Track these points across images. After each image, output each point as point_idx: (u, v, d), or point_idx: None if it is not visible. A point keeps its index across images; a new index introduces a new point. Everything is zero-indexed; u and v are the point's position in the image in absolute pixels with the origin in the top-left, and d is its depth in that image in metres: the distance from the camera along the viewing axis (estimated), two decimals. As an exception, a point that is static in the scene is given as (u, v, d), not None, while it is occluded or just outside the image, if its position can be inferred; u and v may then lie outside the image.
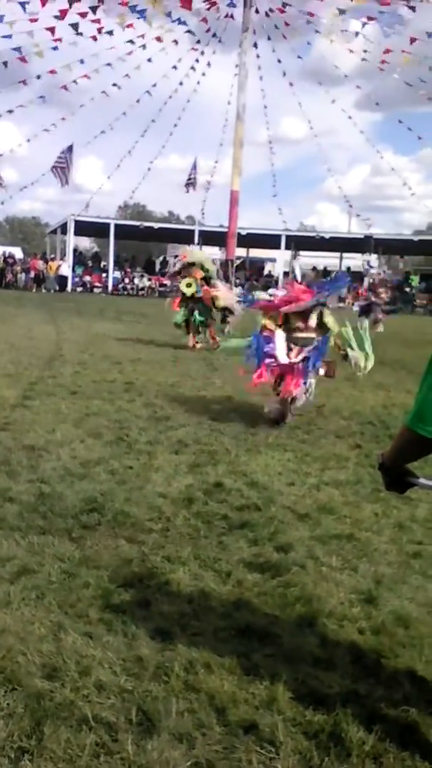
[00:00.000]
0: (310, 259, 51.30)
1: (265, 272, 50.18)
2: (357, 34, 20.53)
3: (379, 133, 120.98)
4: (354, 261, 43.80)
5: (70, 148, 34.41)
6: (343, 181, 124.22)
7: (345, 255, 48.37)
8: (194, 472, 5.74)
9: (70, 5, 21.28)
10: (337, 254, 49.32)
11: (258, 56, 25.71)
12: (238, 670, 2.95)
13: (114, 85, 29.00)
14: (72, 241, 43.59)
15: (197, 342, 15.00)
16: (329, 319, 7.73)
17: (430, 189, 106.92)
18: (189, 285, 14.47)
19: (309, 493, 5.36)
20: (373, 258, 36.74)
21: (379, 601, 3.65)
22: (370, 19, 18.82)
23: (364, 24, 19.88)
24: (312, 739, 2.51)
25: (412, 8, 16.87)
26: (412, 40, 18.79)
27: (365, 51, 20.75)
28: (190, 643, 3.14)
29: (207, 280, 14.69)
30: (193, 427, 7.31)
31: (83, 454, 6.02)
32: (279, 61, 27.04)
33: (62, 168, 34.34)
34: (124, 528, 4.47)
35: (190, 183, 36.22)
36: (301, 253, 50.70)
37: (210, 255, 16.19)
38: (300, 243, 46.69)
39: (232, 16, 22.03)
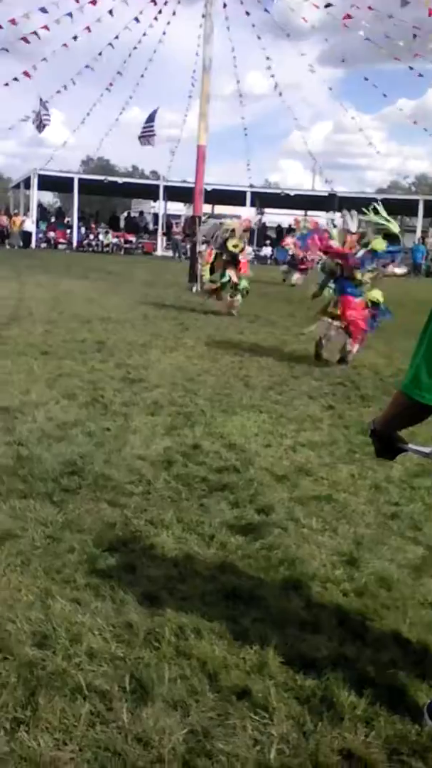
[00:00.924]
0: (275, 217, 51.04)
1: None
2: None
3: (341, 89, 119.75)
4: (319, 219, 43.58)
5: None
6: (306, 137, 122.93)
7: (309, 212, 48.13)
8: (171, 434, 5.72)
9: None
10: (302, 212, 49.04)
11: (225, 5, 25.07)
12: (227, 635, 2.97)
13: (74, 38, 28.04)
14: (36, 196, 42.72)
15: (234, 303, 14.48)
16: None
17: (393, 147, 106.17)
18: (235, 246, 14.20)
19: (285, 454, 5.39)
20: (337, 216, 36.64)
21: (360, 562, 3.70)
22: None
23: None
24: (304, 704, 2.55)
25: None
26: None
27: (328, 5, 20.35)
28: (179, 607, 3.16)
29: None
30: (167, 389, 7.27)
31: (59, 416, 5.96)
32: (247, 13, 26.38)
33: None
34: (106, 491, 4.45)
35: (146, 136, 34.72)
36: (266, 210, 50.43)
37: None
38: (265, 200, 46.42)
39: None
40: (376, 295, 9.29)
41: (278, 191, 45.37)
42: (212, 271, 14.51)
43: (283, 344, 10.67)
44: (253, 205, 44.97)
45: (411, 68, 27.04)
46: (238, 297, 14.42)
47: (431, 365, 2.09)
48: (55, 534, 3.79)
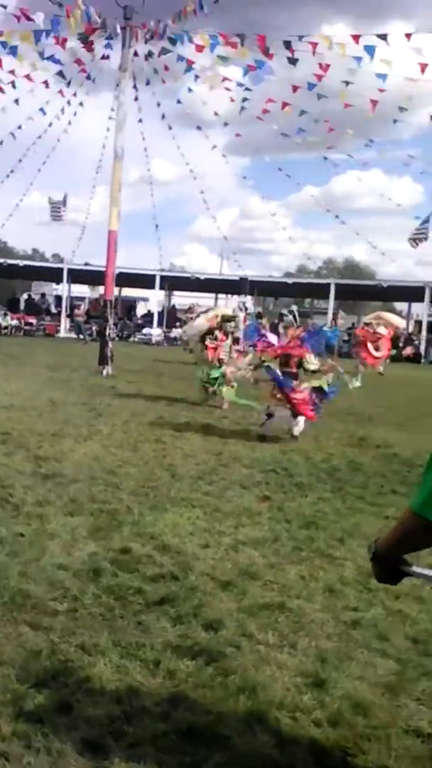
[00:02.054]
0: (184, 299, 51.54)
1: (143, 311, 50.06)
2: (239, 84, 20.84)
3: (244, 176, 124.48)
4: (229, 302, 44.23)
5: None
6: (212, 223, 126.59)
7: (220, 296, 48.92)
8: (96, 537, 5.19)
9: None
10: (212, 295, 49.82)
11: (137, 99, 25.59)
12: (189, 791, 2.49)
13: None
14: None
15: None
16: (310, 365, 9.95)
17: (299, 232, 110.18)
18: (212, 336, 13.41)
19: (227, 555, 4.96)
20: (249, 299, 37.23)
21: (328, 684, 3.29)
22: (251, 68, 19.11)
23: (246, 72, 20.19)
24: None
25: (294, 61, 17.25)
26: (295, 89, 19.23)
27: (245, 99, 21.06)
28: (128, 756, 2.67)
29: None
30: (85, 483, 6.72)
31: (-36, 522, 5.34)
32: (158, 104, 26.96)
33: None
34: (25, 611, 3.89)
35: (57, 215, 36.12)
36: (176, 293, 50.97)
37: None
38: (174, 283, 46.88)
39: (108, 57, 21.84)
40: (321, 382, 9.76)
41: (188, 275, 45.89)
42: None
43: (206, 430, 10.30)
44: (162, 288, 45.32)
45: (325, 158, 28.08)
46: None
47: None
48: (-29, 671, 3.21)
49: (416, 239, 34.40)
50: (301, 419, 9.67)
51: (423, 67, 16.20)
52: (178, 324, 43.66)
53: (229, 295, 43.83)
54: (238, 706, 3.06)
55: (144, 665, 3.39)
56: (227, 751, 2.75)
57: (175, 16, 19.06)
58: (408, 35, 16.21)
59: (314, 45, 16.93)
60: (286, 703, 3.10)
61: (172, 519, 5.72)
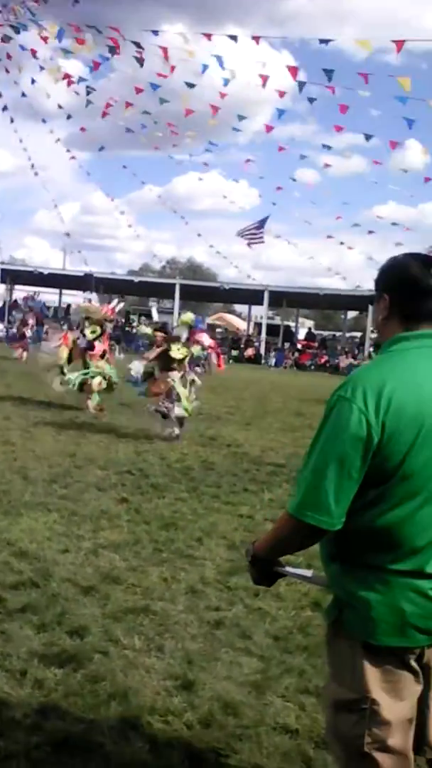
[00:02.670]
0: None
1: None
2: (79, 80, 20.44)
3: (89, 172, 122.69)
4: (74, 298, 43.51)
5: None
6: (54, 217, 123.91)
7: (65, 291, 48.02)
8: None
9: None
10: (56, 290, 48.82)
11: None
12: (67, 802, 2.48)
13: None
14: None
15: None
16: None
17: (141, 231, 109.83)
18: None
19: (87, 560, 4.92)
20: (94, 296, 36.82)
21: (197, 685, 3.36)
22: (96, 64, 18.84)
23: (91, 69, 19.86)
24: None
25: (140, 60, 17.22)
26: (138, 90, 19.17)
27: (89, 92, 20.71)
28: (2, 773, 2.60)
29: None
30: None
31: None
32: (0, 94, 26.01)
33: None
34: None
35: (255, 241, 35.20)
36: (17, 287, 49.48)
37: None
38: (17, 277, 45.51)
39: None
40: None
41: (30, 268, 44.66)
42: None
43: (57, 430, 10.12)
44: (3, 281, 43.90)
45: (171, 157, 28.12)
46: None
47: (323, 485, 1.86)
48: None
49: (252, 243, 35.65)
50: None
51: (264, 79, 16.65)
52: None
53: (74, 291, 43.05)
54: (110, 713, 3.07)
55: (10, 675, 3.32)
56: (103, 759, 2.75)
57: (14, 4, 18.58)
58: (256, 38, 16.58)
59: (164, 49, 16.98)
60: (158, 707, 3.14)
61: (28, 524, 5.59)
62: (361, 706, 1.91)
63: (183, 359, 10.17)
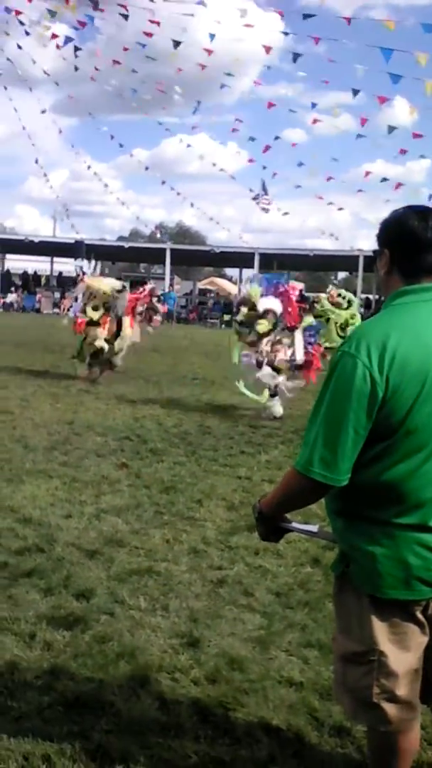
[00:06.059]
0: (18, 263, 49.88)
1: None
2: (66, 41, 20.00)
3: (75, 138, 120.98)
4: (66, 266, 43.21)
5: None
6: (44, 184, 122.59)
7: (56, 259, 47.69)
8: None
9: None
10: (47, 258, 48.51)
11: None
12: (82, 757, 2.55)
13: None
14: None
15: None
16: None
17: (130, 196, 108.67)
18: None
19: (90, 524, 4.97)
20: (86, 263, 36.62)
21: (202, 642, 3.43)
22: (81, 24, 18.44)
23: (77, 29, 19.45)
24: None
25: (126, 16, 16.87)
26: (125, 49, 18.86)
27: (78, 48, 20.33)
28: (17, 731, 2.68)
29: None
30: None
31: None
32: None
33: None
34: None
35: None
36: (8, 256, 49.16)
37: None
38: (7, 246, 45.19)
39: None
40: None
41: (21, 237, 44.26)
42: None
43: (54, 398, 10.14)
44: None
45: (160, 123, 27.68)
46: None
47: (329, 441, 1.89)
48: None
49: (265, 207, 35.67)
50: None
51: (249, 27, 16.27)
52: (12, 289, 42.28)
53: (65, 258, 42.71)
54: (119, 672, 3.14)
55: (20, 638, 3.38)
56: (113, 717, 2.82)
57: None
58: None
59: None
60: (165, 665, 3.21)
61: (30, 491, 5.63)
62: (369, 658, 1.96)
63: (268, 332, 10.11)
